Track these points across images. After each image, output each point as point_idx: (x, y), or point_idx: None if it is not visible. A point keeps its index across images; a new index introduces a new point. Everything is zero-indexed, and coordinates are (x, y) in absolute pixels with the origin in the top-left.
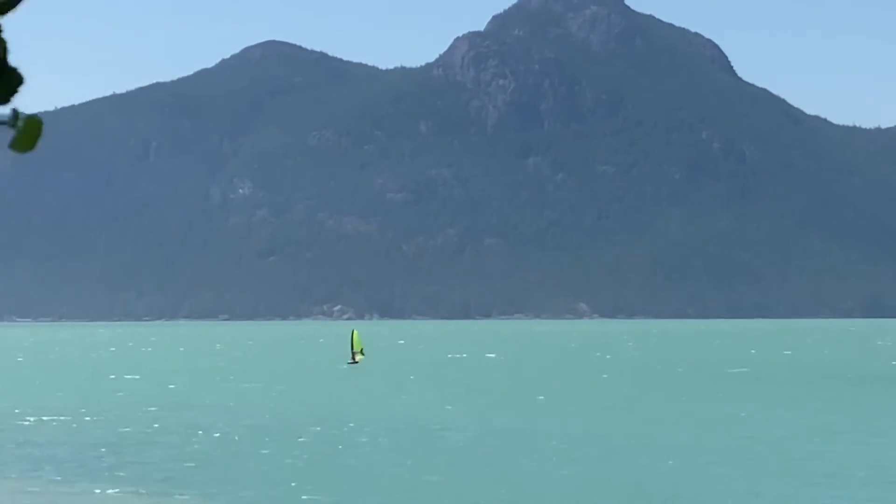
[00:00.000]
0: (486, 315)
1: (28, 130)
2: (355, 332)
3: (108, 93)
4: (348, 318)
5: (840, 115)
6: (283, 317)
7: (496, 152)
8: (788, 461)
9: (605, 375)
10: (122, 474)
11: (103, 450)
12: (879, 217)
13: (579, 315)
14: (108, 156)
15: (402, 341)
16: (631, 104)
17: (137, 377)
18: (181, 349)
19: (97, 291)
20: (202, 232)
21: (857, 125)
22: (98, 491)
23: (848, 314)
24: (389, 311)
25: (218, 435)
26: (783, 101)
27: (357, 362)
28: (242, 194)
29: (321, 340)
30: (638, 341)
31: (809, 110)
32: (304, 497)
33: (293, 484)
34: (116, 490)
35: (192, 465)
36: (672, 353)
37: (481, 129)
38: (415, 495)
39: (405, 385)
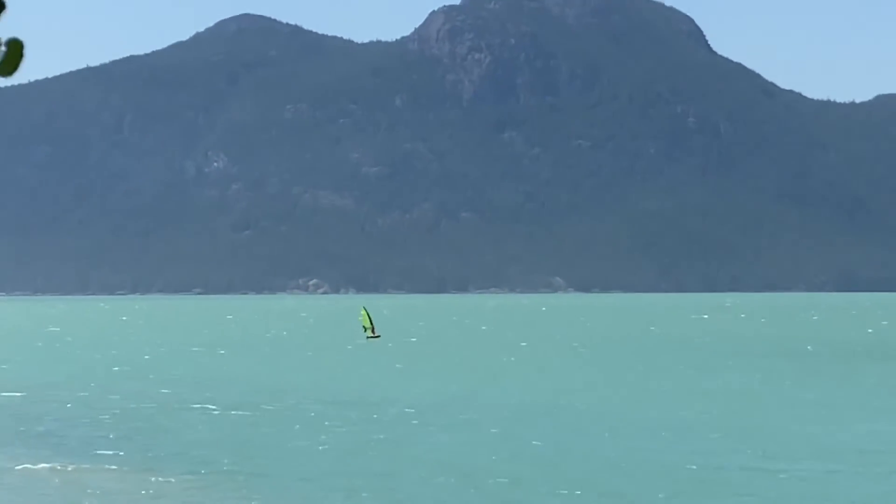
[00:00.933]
0: (462, 289)
1: (10, 53)
2: (365, 308)
3: (82, 66)
4: (323, 293)
5: (814, 90)
6: (258, 291)
7: (472, 126)
8: (770, 435)
9: (580, 348)
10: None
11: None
12: (853, 191)
13: (554, 289)
14: (82, 129)
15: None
16: (606, 79)
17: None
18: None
19: (72, 265)
20: (176, 205)
21: (832, 99)
22: (87, 466)
23: (821, 288)
24: (365, 285)
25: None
26: (758, 75)
27: (378, 336)
28: (217, 168)
29: (303, 315)
30: (618, 315)
31: (784, 84)
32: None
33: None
34: (108, 466)
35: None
36: (657, 328)
37: (457, 103)
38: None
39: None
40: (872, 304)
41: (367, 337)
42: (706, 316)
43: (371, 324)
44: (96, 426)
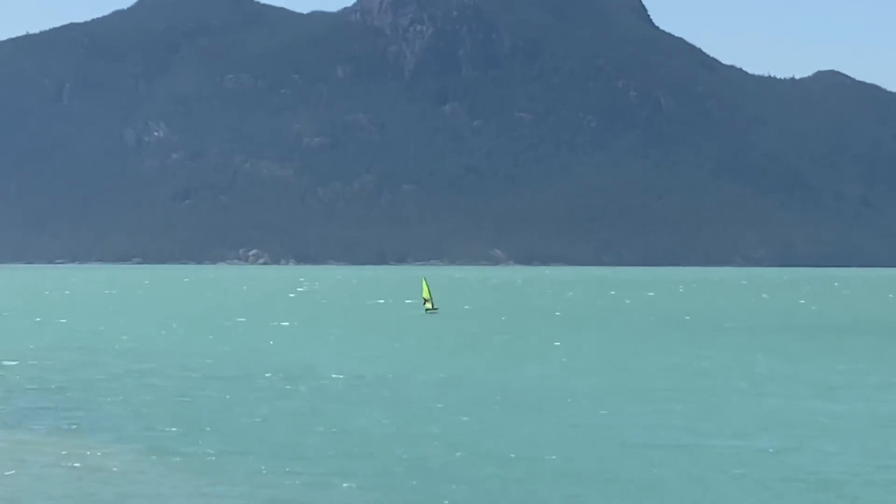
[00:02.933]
0: (402, 261)
1: None
2: (425, 280)
3: (22, 32)
4: (263, 263)
5: (755, 65)
6: (198, 261)
7: (413, 98)
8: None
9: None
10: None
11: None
12: (792, 167)
13: (495, 261)
14: (21, 97)
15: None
16: (548, 52)
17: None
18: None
19: (10, 233)
20: (116, 175)
21: (773, 75)
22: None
23: (760, 262)
24: (305, 256)
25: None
26: (699, 50)
27: (436, 309)
28: (157, 137)
29: (243, 288)
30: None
31: (725, 60)
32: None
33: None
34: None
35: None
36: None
37: (399, 75)
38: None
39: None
40: (817, 278)
41: (426, 310)
42: (652, 293)
43: (430, 296)
44: (42, 397)
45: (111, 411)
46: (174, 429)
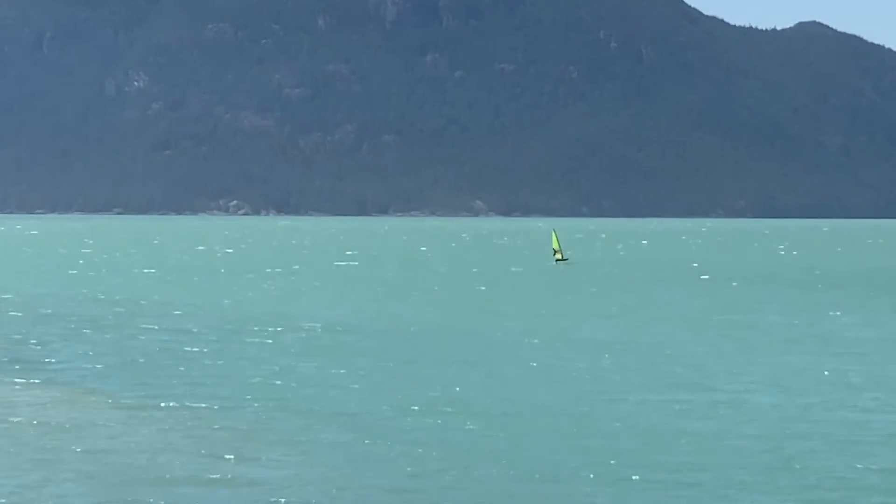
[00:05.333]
0: (383, 212)
1: None
2: (554, 231)
3: None
4: (244, 214)
5: (736, 16)
6: (179, 211)
7: (394, 49)
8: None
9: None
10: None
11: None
12: (773, 118)
13: (475, 213)
14: (0, 47)
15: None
16: (530, 2)
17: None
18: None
19: None
20: (96, 125)
21: (754, 26)
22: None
23: (741, 214)
24: (286, 206)
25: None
26: (681, 0)
27: (566, 259)
28: (138, 87)
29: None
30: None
31: (707, 11)
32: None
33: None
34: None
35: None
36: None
37: (380, 26)
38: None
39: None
40: (793, 229)
41: (556, 259)
42: (645, 241)
43: (559, 247)
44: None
45: (107, 362)
46: (146, 381)
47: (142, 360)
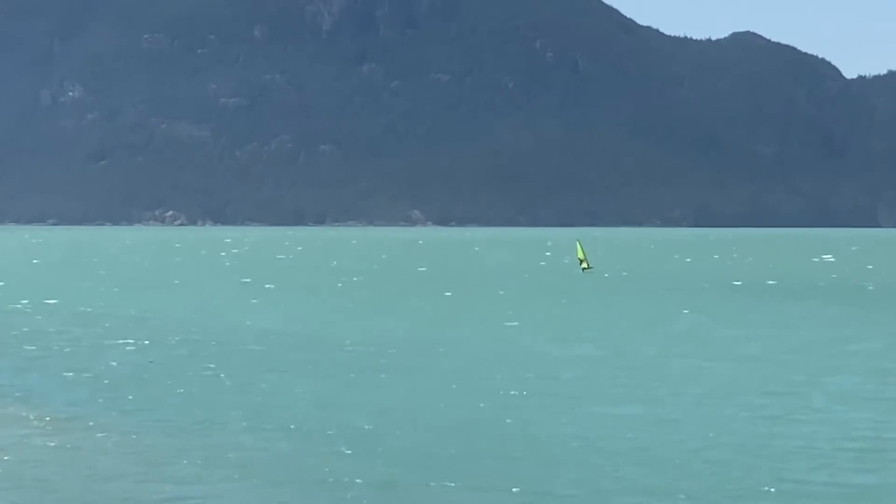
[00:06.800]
0: (320, 222)
1: None
2: (579, 242)
3: None
4: (180, 224)
5: (672, 26)
6: (114, 222)
7: (331, 58)
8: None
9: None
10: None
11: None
12: (708, 127)
13: (413, 222)
14: None
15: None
16: (466, 12)
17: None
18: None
19: None
20: (31, 135)
21: (689, 36)
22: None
23: (677, 223)
24: (222, 217)
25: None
26: (616, 11)
27: (591, 268)
28: (72, 97)
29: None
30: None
31: (642, 21)
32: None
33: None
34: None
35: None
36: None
37: (316, 35)
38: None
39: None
40: (731, 238)
41: (583, 269)
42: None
43: (585, 256)
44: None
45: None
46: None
47: (86, 376)
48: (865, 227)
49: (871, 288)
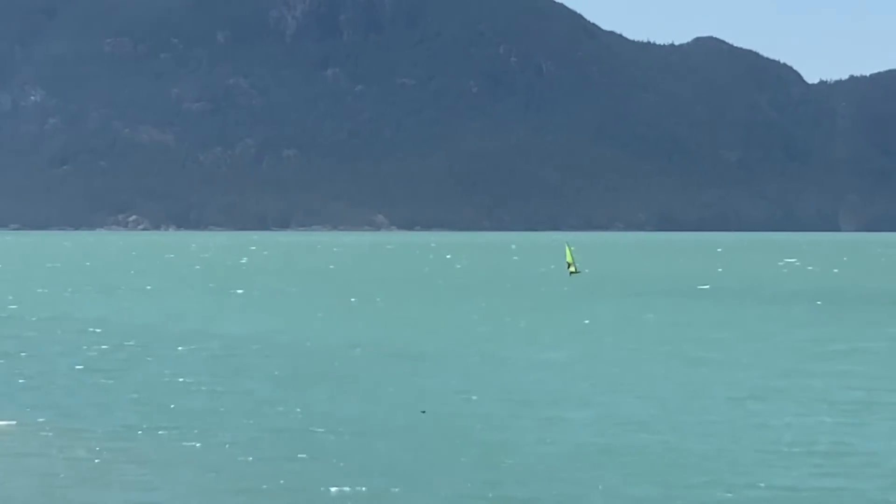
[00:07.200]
0: (284, 226)
1: None
2: (568, 245)
3: None
4: (143, 229)
5: (635, 31)
6: (76, 227)
7: (295, 63)
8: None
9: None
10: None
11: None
12: (671, 132)
13: (377, 227)
14: None
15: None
16: (430, 17)
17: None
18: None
19: None
20: None
21: (652, 41)
22: None
23: (641, 227)
24: (185, 221)
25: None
26: (580, 16)
27: (579, 271)
28: (34, 102)
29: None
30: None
31: (605, 26)
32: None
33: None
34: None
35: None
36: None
37: (280, 40)
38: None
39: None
40: (692, 242)
41: (570, 273)
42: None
43: (573, 260)
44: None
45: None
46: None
47: (40, 381)
48: (827, 230)
49: (835, 291)
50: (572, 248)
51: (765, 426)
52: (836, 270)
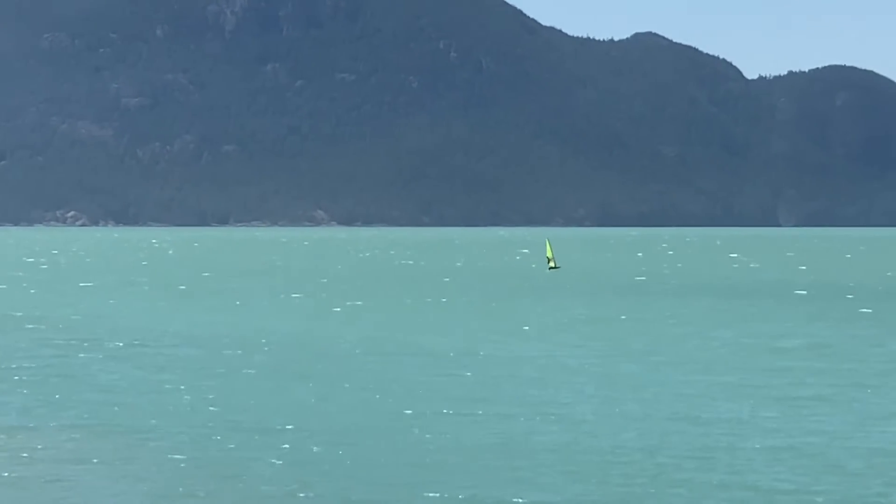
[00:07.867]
0: (223, 222)
1: None
2: (548, 241)
3: None
4: (82, 225)
5: (574, 27)
6: (15, 223)
7: (234, 58)
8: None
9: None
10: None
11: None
12: (611, 128)
13: (317, 222)
14: None
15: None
16: (370, 12)
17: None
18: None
19: None
20: None
21: (591, 37)
22: None
23: (581, 223)
24: (124, 217)
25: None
26: (520, 11)
27: (558, 266)
28: None
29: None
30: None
31: (545, 21)
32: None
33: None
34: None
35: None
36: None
37: (219, 35)
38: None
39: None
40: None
41: (550, 267)
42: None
43: (552, 255)
44: None
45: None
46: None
47: None
48: (766, 226)
49: (781, 287)
50: (551, 244)
51: (714, 421)
52: (781, 266)
